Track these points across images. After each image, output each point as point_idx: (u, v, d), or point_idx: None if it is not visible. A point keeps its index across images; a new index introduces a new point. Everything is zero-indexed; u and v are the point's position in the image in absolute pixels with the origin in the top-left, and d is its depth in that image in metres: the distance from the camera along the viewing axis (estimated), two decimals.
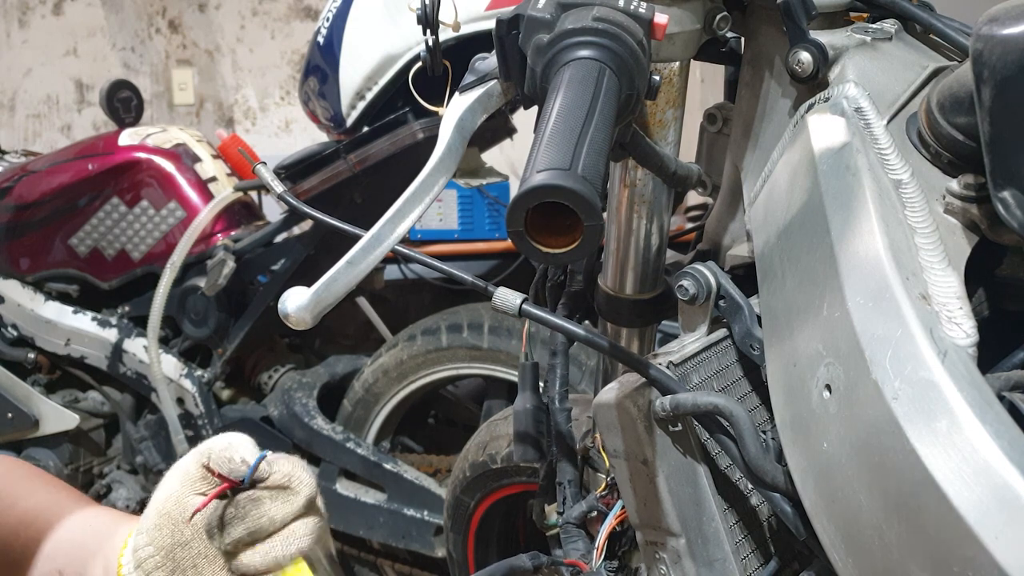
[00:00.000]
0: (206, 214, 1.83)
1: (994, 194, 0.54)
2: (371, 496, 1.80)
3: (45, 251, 1.95)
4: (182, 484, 0.58)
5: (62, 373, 2.04)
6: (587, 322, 0.93)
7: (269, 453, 0.60)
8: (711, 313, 0.71)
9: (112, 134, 1.96)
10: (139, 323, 1.92)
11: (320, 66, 1.75)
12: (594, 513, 0.86)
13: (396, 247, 0.59)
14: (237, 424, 1.85)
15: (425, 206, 0.57)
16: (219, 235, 1.88)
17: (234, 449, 0.59)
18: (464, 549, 1.33)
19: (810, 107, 0.67)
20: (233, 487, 0.58)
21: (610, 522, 0.80)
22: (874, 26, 0.69)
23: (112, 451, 2.07)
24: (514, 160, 2.67)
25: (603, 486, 0.86)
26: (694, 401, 0.63)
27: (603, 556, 0.82)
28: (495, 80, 0.62)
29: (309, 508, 0.61)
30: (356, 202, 1.74)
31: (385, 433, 1.85)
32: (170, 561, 0.56)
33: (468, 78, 0.63)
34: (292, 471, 0.60)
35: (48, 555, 0.63)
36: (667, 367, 0.67)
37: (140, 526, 0.59)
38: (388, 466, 1.77)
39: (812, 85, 0.67)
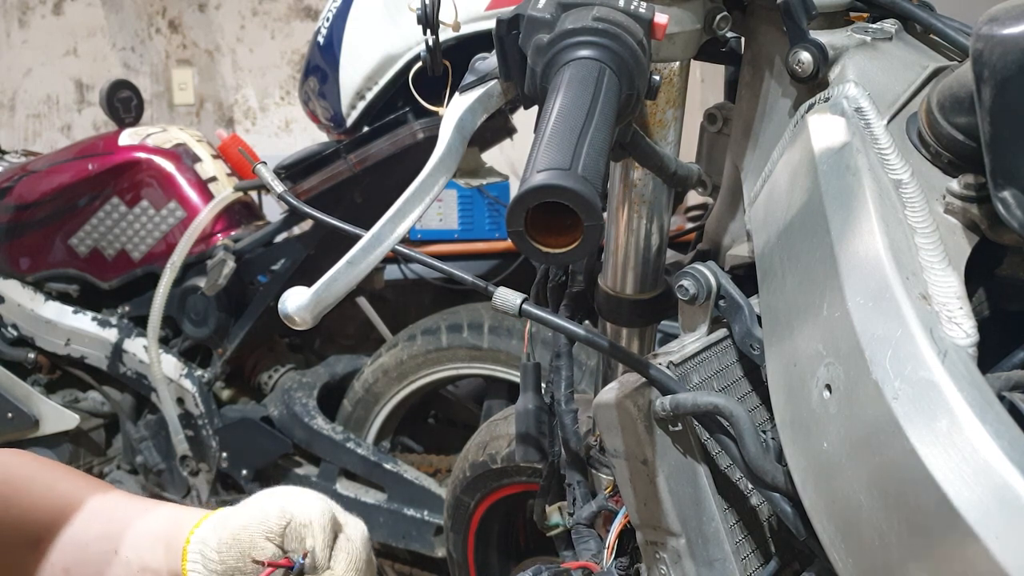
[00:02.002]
0: (206, 214, 1.83)
1: (994, 194, 0.54)
2: (371, 496, 1.80)
3: (45, 251, 1.95)
4: (260, 523, 0.64)
5: (62, 373, 2.03)
6: (587, 322, 0.93)
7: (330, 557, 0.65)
8: (711, 313, 0.70)
9: (112, 134, 1.96)
10: (139, 323, 1.92)
11: (320, 66, 1.75)
12: (602, 512, 0.86)
13: (396, 247, 0.59)
14: (237, 424, 1.85)
15: (425, 206, 0.57)
16: (219, 235, 1.88)
17: (311, 531, 0.64)
18: (464, 549, 1.33)
19: (810, 107, 0.67)
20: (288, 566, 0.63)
21: (620, 520, 0.80)
22: (874, 26, 0.69)
23: (112, 451, 2.07)
24: (514, 160, 2.67)
25: (611, 486, 0.86)
26: (694, 401, 0.63)
27: (614, 555, 0.82)
28: (495, 80, 0.62)
29: None
30: (356, 202, 1.74)
31: (385, 433, 1.85)
32: None
33: (468, 78, 0.63)
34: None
35: (101, 534, 0.68)
36: (667, 367, 0.67)
37: (216, 527, 0.65)
38: (388, 466, 1.77)
39: (812, 85, 0.67)
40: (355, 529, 0.68)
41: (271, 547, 0.64)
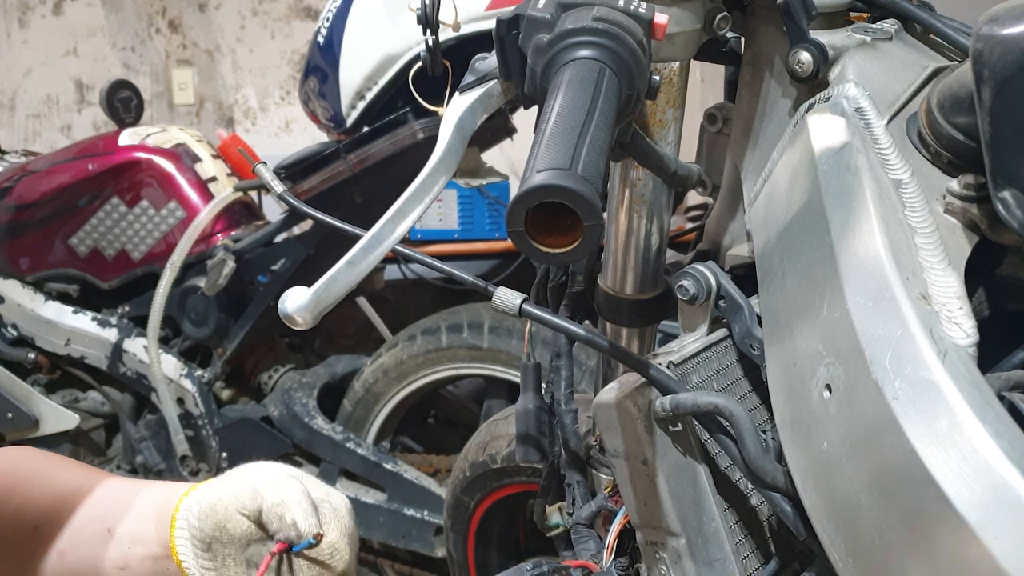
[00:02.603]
0: (206, 214, 1.83)
1: (994, 194, 0.54)
2: (371, 496, 1.80)
3: (45, 251, 1.95)
4: (233, 499, 0.67)
5: (62, 373, 2.03)
6: (587, 322, 0.93)
7: (321, 525, 0.67)
8: (711, 313, 0.70)
9: (112, 134, 1.96)
10: (139, 323, 1.92)
11: (320, 66, 1.75)
12: (602, 512, 0.86)
13: (396, 247, 0.59)
14: (237, 424, 1.85)
15: (425, 206, 0.57)
16: (219, 235, 1.88)
17: (286, 508, 0.66)
18: (464, 549, 1.33)
19: (810, 107, 0.67)
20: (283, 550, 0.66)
21: (620, 520, 0.80)
22: (874, 26, 0.69)
23: (112, 451, 2.07)
24: (514, 160, 2.67)
25: (611, 486, 0.86)
26: (694, 401, 0.63)
27: (613, 555, 0.82)
28: (495, 80, 0.62)
29: None
30: (356, 202, 1.74)
31: (385, 433, 1.85)
32: (206, 545, 0.67)
33: (468, 78, 0.63)
34: (336, 543, 0.67)
35: (96, 515, 0.70)
36: (667, 367, 0.67)
37: (198, 499, 0.68)
38: (388, 466, 1.77)
39: (812, 85, 0.67)
40: (339, 499, 0.70)
41: (245, 521, 0.66)
